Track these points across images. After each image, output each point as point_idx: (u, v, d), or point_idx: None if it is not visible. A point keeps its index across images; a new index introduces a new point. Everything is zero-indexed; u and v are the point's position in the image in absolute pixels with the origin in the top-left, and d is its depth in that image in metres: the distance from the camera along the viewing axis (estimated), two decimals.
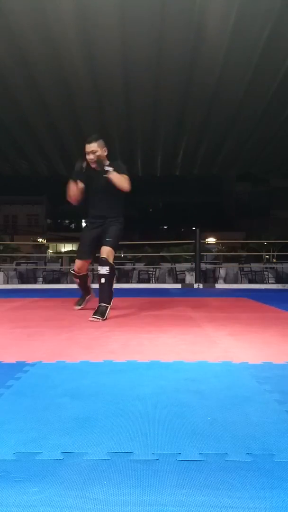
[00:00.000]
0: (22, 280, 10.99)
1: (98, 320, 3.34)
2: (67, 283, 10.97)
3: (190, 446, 1.08)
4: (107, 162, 3.62)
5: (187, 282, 10.20)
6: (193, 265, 9.57)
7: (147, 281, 10.91)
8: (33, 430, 1.19)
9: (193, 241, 9.32)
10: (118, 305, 4.38)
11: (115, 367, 1.91)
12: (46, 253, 19.44)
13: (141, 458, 1.02)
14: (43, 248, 20.39)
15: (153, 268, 11.51)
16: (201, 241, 9.98)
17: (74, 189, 3.70)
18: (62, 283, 10.97)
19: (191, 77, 5.83)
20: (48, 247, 24.93)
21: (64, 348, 2.34)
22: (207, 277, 10.79)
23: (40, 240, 29.57)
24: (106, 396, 1.48)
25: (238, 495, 0.86)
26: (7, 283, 10.65)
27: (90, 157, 3.58)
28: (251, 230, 32.22)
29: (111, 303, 3.54)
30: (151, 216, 41.26)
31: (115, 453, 1.04)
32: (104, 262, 3.47)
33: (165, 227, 40.10)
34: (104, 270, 3.47)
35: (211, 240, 21.22)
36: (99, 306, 3.47)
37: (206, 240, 19.06)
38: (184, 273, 11.10)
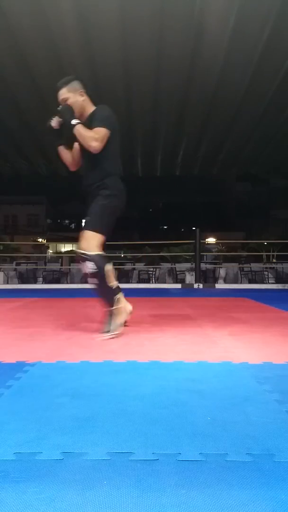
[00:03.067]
0: (22, 280, 10.99)
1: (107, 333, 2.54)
2: (67, 283, 10.98)
3: (190, 446, 1.08)
4: (75, 111, 2.70)
5: (187, 282, 10.21)
6: (193, 265, 9.58)
7: (147, 281, 10.91)
8: (33, 430, 1.19)
9: (193, 241, 9.32)
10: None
11: (115, 367, 1.91)
12: (46, 253, 19.45)
13: (141, 458, 1.02)
14: (43, 248, 20.40)
15: (153, 268, 11.52)
16: (201, 241, 9.98)
17: (64, 155, 2.94)
18: (62, 283, 10.97)
19: (191, 77, 5.83)
20: (48, 247, 24.94)
21: (64, 348, 2.34)
22: (207, 277, 10.79)
23: (40, 240, 29.58)
24: (106, 396, 1.48)
25: (238, 495, 0.86)
26: (7, 283, 10.66)
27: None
28: (251, 230, 32.24)
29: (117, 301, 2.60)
30: (151, 216, 41.27)
31: (115, 453, 1.04)
32: (83, 258, 2.54)
33: (165, 227, 40.10)
34: (88, 268, 2.53)
35: (211, 240, 21.23)
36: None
37: (206, 240, 19.06)
38: (184, 273, 11.10)
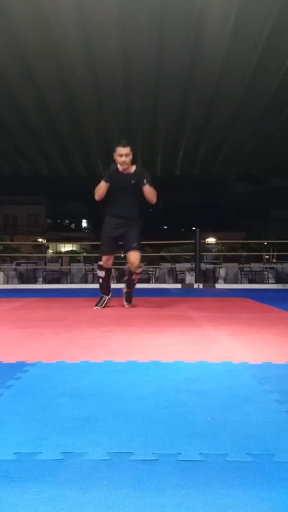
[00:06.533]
0: (22, 280, 10.99)
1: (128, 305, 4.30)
2: (67, 283, 10.98)
3: (190, 446, 1.08)
4: (134, 171, 4.06)
5: (187, 282, 10.20)
6: (193, 265, 9.57)
7: (147, 281, 10.91)
8: (33, 430, 1.19)
9: (193, 241, 9.31)
10: (118, 305, 4.38)
11: (115, 367, 1.91)
12: (46, 253, 19.42)
13: (141, 458, 1.02)
14: (43, 248, 20.38)
15: (153, 268, 11.51)
16: (201, 241, 9.98)
17: (103, 189, 4.02)
18: (62, 283, 10.97)
19: (191, 77, 5.82)
20: (48, 247, 24.92)
21: (64, 348, 2.34)
22: (207, 277, 10.79)
23: (40, 240, 29.54)
24: (106, 396, 1.48)
25: (238, 495, 0.86)
26: (7, 283, 10.65)
27: (122, 159, 3.92)
28: (251, 230, 32.20)
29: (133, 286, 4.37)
30: (151, 216, 41.23)
31: (115, 453, 1.04)
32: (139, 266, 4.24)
33: (165, 227, 40.06)
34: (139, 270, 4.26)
35: (211, 240, 21.20)
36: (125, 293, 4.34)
37: (206, 240, 19.04)
38: (184, 273, 11.09)
